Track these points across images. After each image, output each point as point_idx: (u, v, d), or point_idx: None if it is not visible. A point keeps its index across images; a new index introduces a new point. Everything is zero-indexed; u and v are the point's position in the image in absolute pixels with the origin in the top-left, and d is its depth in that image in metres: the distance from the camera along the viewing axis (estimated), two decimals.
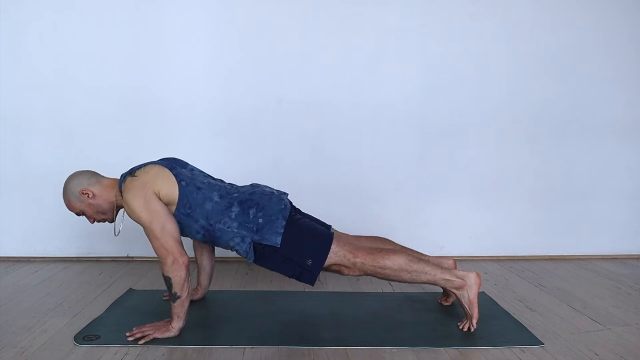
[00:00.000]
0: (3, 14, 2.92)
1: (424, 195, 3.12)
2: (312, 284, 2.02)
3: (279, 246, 1.96)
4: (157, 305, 2.27)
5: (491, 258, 3.15)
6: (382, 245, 2.19)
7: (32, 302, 2.33)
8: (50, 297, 2.39)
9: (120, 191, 2.00)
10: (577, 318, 2.18)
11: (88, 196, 2.03)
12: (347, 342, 1.90)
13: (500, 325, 2.07)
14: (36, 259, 3.04)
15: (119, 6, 2.94)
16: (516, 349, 1.87)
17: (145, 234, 1.96)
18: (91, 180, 2.06)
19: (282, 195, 2.09)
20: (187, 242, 2.25)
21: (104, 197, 2.05)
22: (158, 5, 2.96)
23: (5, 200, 3.02)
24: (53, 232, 3.05)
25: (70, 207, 2.07)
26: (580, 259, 3.14)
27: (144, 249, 2.90)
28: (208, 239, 2.06)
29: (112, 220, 2.12)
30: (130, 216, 1.97)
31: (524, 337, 1.97)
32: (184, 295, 1.92)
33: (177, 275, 1.90)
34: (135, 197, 1.93)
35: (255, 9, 2.99)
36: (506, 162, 3.13)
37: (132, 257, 3.07)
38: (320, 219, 2.25)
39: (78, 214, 2.09)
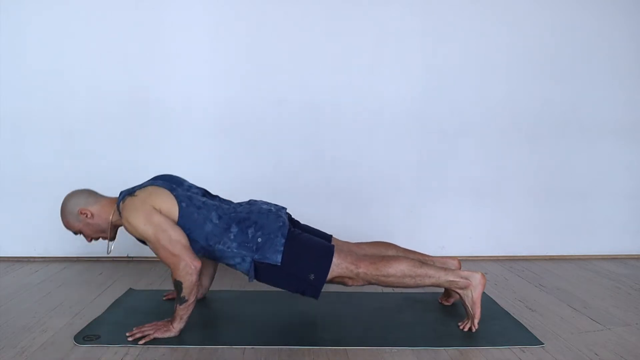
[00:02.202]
0: (3, 14, 2.92)
1: (424, 195, 3.12)
2: (317, 298, 2.02)
3: (279, 264, 1.96)
4: (157, 305, 2.27)
5: (491, 258, 3.15)
6: (384, 251, 2.19)
7: (32, 302, 2.33)
8: (50, 297, 2.39)
9: (119, 210, 1.99)
10: (577, 318, 2.18)
11: (86, 216, 2.03)
12: (347, 342, 1.90)
13: (500, 325, 2.07)
14: (36, 259, 3.04)
15: (119, 6, 2.94)
16: (516, 349, 1.87)
17: (151, 247, 1.95)
18: (89, 200, 2.05)
19: (279, 212, 2.08)
20: None
21: (103, 216, 2.04)
22: (158, 5, 2.96)
23: (5, 200, 3.02)
24: (53, 232, 3.03)
25: (68, 226, 2.07)
26: (580, 259, 3.14)
27: (144, 249, 2.85)
28: (209, 258, 2.06)
29: (112, 239, 2.11)
30: (133, 234, 1.96)
31: (524, 337, 1.97)
32: (192, 299, 1.92)
33: (189, 280, 1.89)
34: (136, 214, 1.92)
35: (255, 10, 2.99)
36: (506, 162, 3.13)
37: (132, 257, 3.07)
38: (321, 226, 2.24)
39: (76, 233, 2.09)
